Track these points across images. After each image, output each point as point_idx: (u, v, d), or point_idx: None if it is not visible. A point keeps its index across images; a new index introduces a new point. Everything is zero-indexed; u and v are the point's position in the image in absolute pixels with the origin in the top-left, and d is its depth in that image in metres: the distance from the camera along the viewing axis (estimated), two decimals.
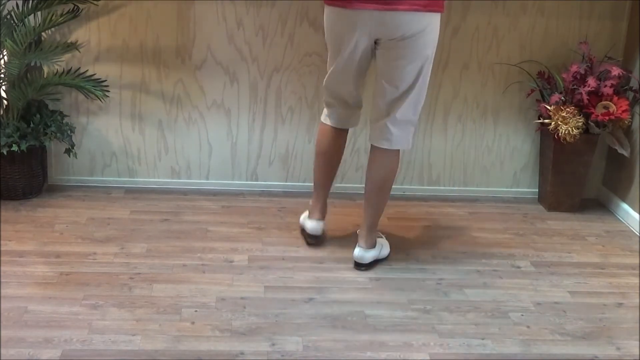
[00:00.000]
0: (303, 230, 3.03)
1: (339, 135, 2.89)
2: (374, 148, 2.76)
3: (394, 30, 2.51)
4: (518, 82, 3.47)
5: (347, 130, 2.92)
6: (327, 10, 2.64)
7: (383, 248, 2.89)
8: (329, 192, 2.99)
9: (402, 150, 2.77)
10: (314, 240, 2.97)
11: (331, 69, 2.73)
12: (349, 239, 3.05)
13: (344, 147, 2.94)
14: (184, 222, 3.14)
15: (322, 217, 2.98)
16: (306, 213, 3.04)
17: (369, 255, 2.81)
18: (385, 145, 2.72)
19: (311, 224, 2.96)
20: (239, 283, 2.67)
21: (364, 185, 2.83)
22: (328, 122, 2.86)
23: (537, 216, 3.44)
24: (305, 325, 2.42)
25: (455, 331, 2.44)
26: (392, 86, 2.63)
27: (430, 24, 2.54)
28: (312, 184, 3.01)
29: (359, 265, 2.82)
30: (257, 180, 3.54)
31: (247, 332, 2.36)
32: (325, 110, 2.88)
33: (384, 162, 2.76)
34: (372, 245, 2.83)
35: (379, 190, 2.78)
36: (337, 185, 3.55)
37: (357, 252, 2.81)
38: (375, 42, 2.60)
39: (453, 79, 3.45)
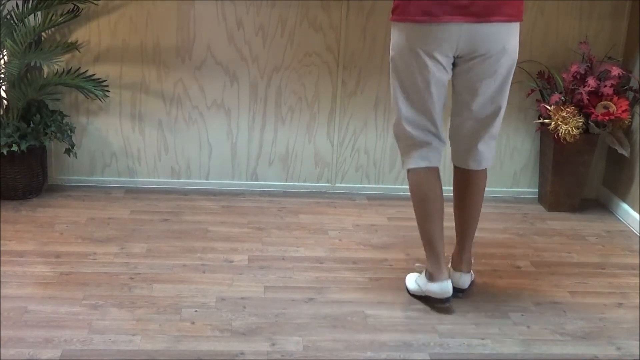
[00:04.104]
0: (417, 297, 2.62)
1: (438, 174, 2.49)
2: (463, 171, 2.52)
3: (485, 45, 2.30)
4: (518, 82, 3.46)
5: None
6: (403, 27, 2.32)
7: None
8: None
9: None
10: (448, 304, 2.53)
11: (415, 101, 2.39)
12: (349, 239, 3.05)
13: None
14: (184, 222, 3.14)
15: (448, 274, 2.54)
16: (412, 277, 2.65)
17: (468, 280, 2.64)
18: (474, 167, 2.50)
19: (441, 287, 2.49)
20: (239, 283, 2.67)
21: (455, 209, 2.59)
22: (426, 164, 2.45)
23: (537, 216, 3.44)
24: (305, 325, 2.42)
25: (455, 331, 2.43)
26: (482, 106, 2.41)
27: (515, 36, 2.36)
28: (427, 241, 2.51)
29: (461, 292, 2.60)
30: (257, 180, 3.54)
31: (247, 332, 2.36)
32: (414, 153, 2.45)
33: (479, 184, 2.53)
34: (469, 269, 2.64)
35: (477, 212, 2.57)
36: (338, 185, 3.56)
37: (463, 278, 2.59)
38: (456, 59, 2.36)
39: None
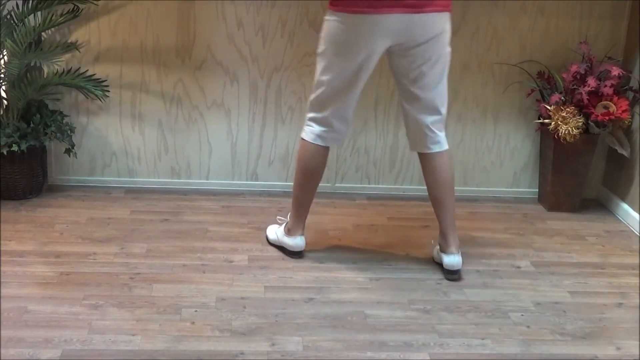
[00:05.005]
0: (271, 244, 2.95)
1: (327, 152, 2.75)
2: (427, 156, 2.71)
3: (422, 34, 2.49)
4: (518, 82, 3.47)
5: None
6: (342, 17, 2.50)
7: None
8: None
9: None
10: (298, 257, 2.86)
11: (333, 83, 2.59)
12: (349, 239, 3.05)
13: None
14: (184, 222, 3.14)
15: (304, 232, 2.86)
16: (273, 228, 2.95)
17: (461, 260, 2.77)
18: (436, 149, 2.69)
19: (295, 241, 2.84)
20: (239, 283, 2.67)
21: (430, 196, 2.78)
22: (320, 142, 2.70)
23: (537, 216, 3.44)
24: (305, 325, 2.42)
25: (455, 331, 2.44)
26: (425, 91, 2.60)
27: (448, 23, 2.56)
28: (296, 205, 2.82)
29: (454, 273, 2.76)
30: (257, 180, 3.54)
31: (247, 332, 2.36)
32: (315, 129, 2.70)
33: (444, 164, 2.71)
34: (459, 248, 2.79)
35: (450, 192, 2.74)
36: (338, 185, 3.56)
37: (452, 259, 2.75)
38: (389, 48, 2.55)
39: (453, 79, 3.43)
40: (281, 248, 2.90)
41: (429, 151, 2.71)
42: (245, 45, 3.34)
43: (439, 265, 2.84)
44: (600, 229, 3.32)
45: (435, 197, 2.76)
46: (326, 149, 2.73)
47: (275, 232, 2.94)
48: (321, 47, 2.59)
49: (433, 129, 2.67)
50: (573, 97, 3.27)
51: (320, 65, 2.62)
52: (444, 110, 2.68)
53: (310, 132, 2.71)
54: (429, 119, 2.66)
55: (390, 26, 2.46)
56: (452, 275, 2.76)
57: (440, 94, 2.64)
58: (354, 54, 2.52)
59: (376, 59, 2.56)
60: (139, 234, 3.01)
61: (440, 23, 2.52)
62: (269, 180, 3.54)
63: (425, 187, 3.63)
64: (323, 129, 2.69)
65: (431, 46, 2.52)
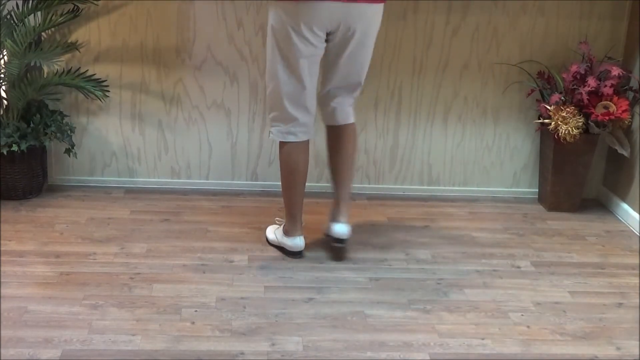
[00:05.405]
0: (271, 244, 2.95)
1: (306, 147, 2.77)
2: (340, 128, 2.83)
3: (358, 22, 2.59)
4: (518, 82, 3.47)
5: None
6: (282, 7, 2.55)
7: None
8: None
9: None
10: (299, 257, 2.87)
11: (283, 75, 2.63)
12: (349, 239, 3.05)
13: None
14: (184, 222, 3.14)
15: (302, 232, 2.88)
16: (272, 229, 2.96)
17: (349, 230, 2.87)
18: (350, 120, 2.83)
19: (294, 242, 2.85)
20: (239, 283, 2.67)
21: (330, 166, 2.90)
22: (292, 139, 2.71)
23: (537, 216, 3.44)
24: (305, 325, 2.42)
25: (455, 331, 2.44)
26: (353, 73, 2.74)
27: (380, 13, 2.68)
28: (288, 206, 2.83)
29: (342, 242, 2.86)
30: (257, 180, 3.54)
31: (247, 332, 2.36)
32: (281, 128, 2.71)
33: (351, 137, 2.85)
34: (348, 219, 2.90)
35: (352, 163, 2.89)
36: None
37: (341, 227, 2.85)
38: (329, 35, 2.64)
39: (453, 79, 3.45)
40: (281, 249, 2.91)
41: (338, 124, 2.82)
42: (245, 45, 3.34)
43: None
44: (600, 229, 3.32)
45: (336, 167, 2.87)
46: (304, 143, 2.76)
47: (274, 232, 2.95)
48: (268, 40, 2.68)
49: (346, 104, 2.81)
50: (573, 97, 3.27)
51: (268, 59, 2.69)
52: (359, 89, 2.83)
53: (278, 132, 2.73)
54: (348, 97, 2.80)
55: (328, 14, 2.55)
56: (340, 243, 2.86)
57: (363, 72, 2.78)
58: (296, 43, 2.58)
59: (320, 47, 2.63)
60: (139, 234, 3.01)
61: (375, 14, 2.64)
62: (269, 180, 3.54)
63: (425, 187, 3.65)
64: (289, 125, 2.71)
65: (365, 34, 2.65)
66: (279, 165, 2.80)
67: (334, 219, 2.87)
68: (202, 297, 2.55)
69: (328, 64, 2.74)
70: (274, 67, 2.65)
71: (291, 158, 2.75)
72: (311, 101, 2.72)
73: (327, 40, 2.65)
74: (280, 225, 2.94)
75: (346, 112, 2.83)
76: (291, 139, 2.72)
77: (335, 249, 2.87)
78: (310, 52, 2.62)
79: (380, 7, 2.65)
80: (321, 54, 2.67)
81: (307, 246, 2.90)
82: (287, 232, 2.87)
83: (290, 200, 2.83)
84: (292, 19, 2.55)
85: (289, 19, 2.55)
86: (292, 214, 2.84)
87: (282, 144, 2.75)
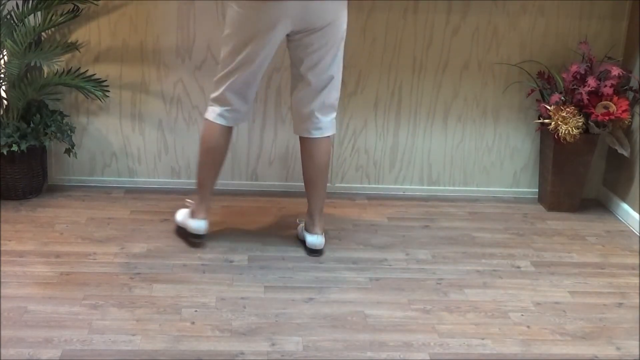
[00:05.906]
0: (180, 229, 2.98)
1: (230, 133, 2.84)
2: (307, 140, 2.82)
3: (318, 20, 2.60)
4: (518, 82, 3.47)
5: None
6: (243, 4, 2.59)
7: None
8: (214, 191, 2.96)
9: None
10: (199, 240, 2.91)
11: (239, 66, 2.67)
12: (349, 239, 3.05)
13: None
14: None
15: (207, 216, 2.90)
16: (182, 212, 2.99)
17: (324, 241, 2.90)
18: (317, 134, 2.80)
19: (197, 224, 2.88)
20: (239, 283, 2.67)
21: (304, 177, 2.90)
22: (222, 122, 2.77)
23: (537, 216, 3.44)
24: (305, 325, 2.42)
25: (455, 331, 2.44)
26: (317, 76, 2.71)
27: (344, 10, 2.67)
28: (198, 185, 2.89)
29: (316, 252, 2.89)
30: (257, 180, 3.54)
31: (247, 332, 2.36)
32: (217, 109, 2.78)
33: (321, 149, 2.83)
34: (323, 230, 2.92)
35: (324, 176, 2.88)
36: (338, 185, 3.56)
37: (315, 239, 2.88)
38: (289, 35, 2.65)
39: (453, 79, 3.45)
40: (184, 231, 2.93)
41: (310, 136, 2.81)
42: None
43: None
44: (600, 229, 3.32)
45: (310, 179, 2.88)
46: (228, 129, 2.80)
47: (182, 214, 2.98)
48: (225, 31, 2.69)
49: (318, 115, 2.77)
50: (573, 97, 3.27)
51: (222, 48, 2.72)
52: (333, 97, 2.78)
53: (212, 111, 2.79)
54: (316, 105, 2.76)
55: (289, 12, 2.56)
56: (315, 254, 2.90)
57: (331, 79, 2.73)
58: (253, 39, 2.60)
59: (276, 43, 2.65)
60: (139, 234, 3.01)
61: (336, 10, 2.63)
62: (269, 180, 3.54)
63: (425, 187, 3.65)
64: (224, 108, 2.76)
65: (327, 32, 2.63)
66: (200, 142, 2.84)
67: (309, 230, 2.91)
68: (202, 297, 2.55)
69: (295, 68, 2.75)
70: (226, 56, 2.69)
71: (212, 138, 2.79)
72: (250, 93, 2.76)
73: (290, 42, 2.69)
74: (189, 208, 2.96)
75: (318, 123, 2.80)
76: (221, 121, 2.77)
77: (311, 255, 2.91)
78: (263, 50, 2.63)
79: (340, 4, 2.64)
80: (273, 52, 2.68)
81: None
82: (192, 214, 2.90)
83: (202, 179, 2.86)
84: (253, 16, 2.58)
85: (249, 15, 2.58)
86: (201, 194, 2.87)
87: (209, 123, 2.79)
